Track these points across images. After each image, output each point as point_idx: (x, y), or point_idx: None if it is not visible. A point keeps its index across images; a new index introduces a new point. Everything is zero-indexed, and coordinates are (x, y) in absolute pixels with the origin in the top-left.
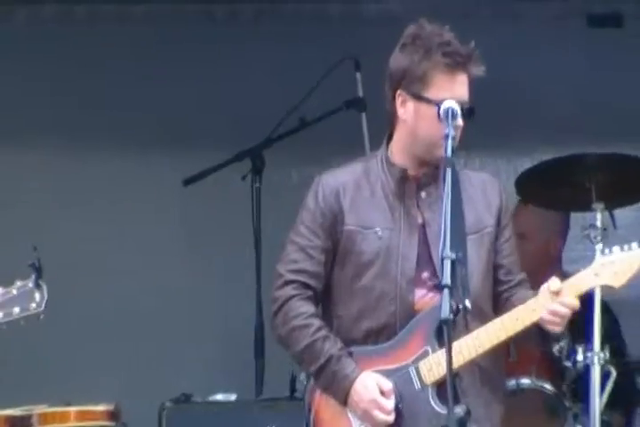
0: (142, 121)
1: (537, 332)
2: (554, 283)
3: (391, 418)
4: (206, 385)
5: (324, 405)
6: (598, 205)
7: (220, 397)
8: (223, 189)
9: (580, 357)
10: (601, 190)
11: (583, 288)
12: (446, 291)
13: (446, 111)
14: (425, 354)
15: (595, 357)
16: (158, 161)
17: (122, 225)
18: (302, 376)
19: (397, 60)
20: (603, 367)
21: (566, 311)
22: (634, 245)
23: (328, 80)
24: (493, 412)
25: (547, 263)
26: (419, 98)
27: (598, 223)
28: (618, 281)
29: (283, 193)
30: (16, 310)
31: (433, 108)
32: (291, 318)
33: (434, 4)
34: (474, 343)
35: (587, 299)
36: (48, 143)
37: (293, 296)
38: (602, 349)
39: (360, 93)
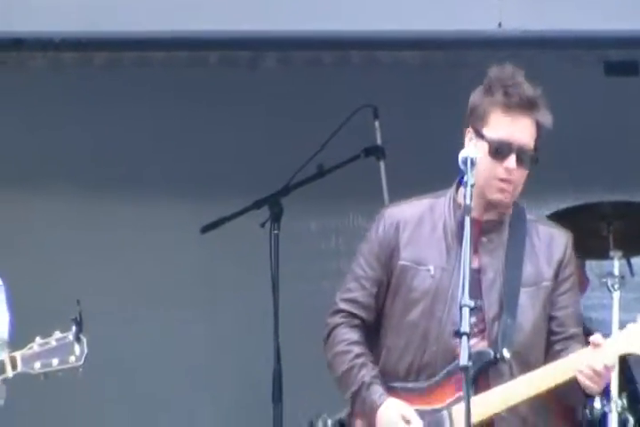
0: (159, 168)
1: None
2: (596, 337)
3: None
4: None
5: None
6: (615, 253)
7: None
8: (241, 236)
9: (597, 404)
10: (618, 238)
11: (615, 353)
12: (465, 338)
13: (464, 160)
14: (459, 400)
15: (612, 404)
16: (176, 209)
17: (138, 272)
18: (320, 424)
19: (471, 98)
20: (620, 415)
21: (600, 367)
22: None
23: (346, 128)
24: None
25: None
26: (478, 134)
27: (616, 271)
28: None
29: (301, 240)
30: (54, 361)
31: (486, 146)
32: (335, 344)
33: (451, 53)
34: (506, 394)
35: None
36: (64, 190)
37: (340, 324)
38: (619, 396)
39: (379, 141)
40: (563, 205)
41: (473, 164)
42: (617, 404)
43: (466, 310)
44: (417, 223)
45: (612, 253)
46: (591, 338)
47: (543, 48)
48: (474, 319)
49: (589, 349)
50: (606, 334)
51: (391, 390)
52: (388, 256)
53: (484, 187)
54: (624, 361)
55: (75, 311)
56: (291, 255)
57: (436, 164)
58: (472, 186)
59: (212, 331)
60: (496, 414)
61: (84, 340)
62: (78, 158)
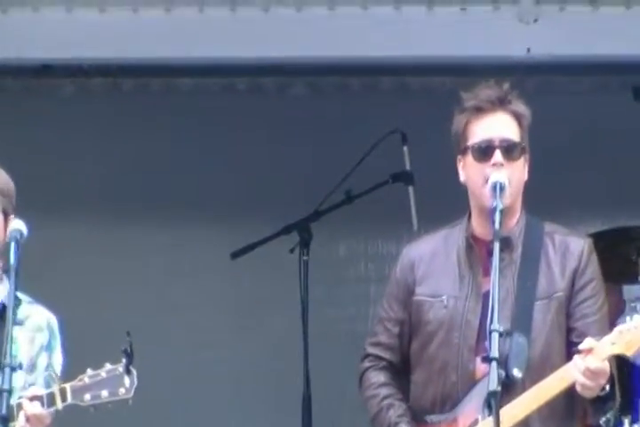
0: (189, 195)
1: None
2: (585, 342)
3: None
4: None
5: None
6: None
7: None
8: (271, 261)
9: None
10: None
11: (600, 358)
12: (494, 364)
13: (494, 184)
14: (475, 423)
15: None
16: (206, 234)
17: (169, 297)
18: None
19: (451, 128)
20: None
21: (587, 371)
22: None
23: (375, 153)
24: None
25: None
26: (464, 153)
27: None
28: (629, 350)
29: (330, 266)
30: (104, 393)
31: (470, 155)
32: (364, 389)
33: (480, 79)
34: (511, 413)
35: (633, 369)
36: (95, 216)
37: (368, 368)
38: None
39: (407, 167)
40: (592, 230)
41: (502, 189)
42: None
43: (495, 336)
44: (431, 257)
45: None
46: (581, 345)
47: (571, 74)
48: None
49: (582, 355)
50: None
51: (421, 424)
52: (406, 296)
53: (480, 196)
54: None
55: (125, 342)
56: (320, 281)
57: (465, 189)
58: (501, 211)
59: (241, 356)
60: None
61: (134, 372)
62: (108, 184)
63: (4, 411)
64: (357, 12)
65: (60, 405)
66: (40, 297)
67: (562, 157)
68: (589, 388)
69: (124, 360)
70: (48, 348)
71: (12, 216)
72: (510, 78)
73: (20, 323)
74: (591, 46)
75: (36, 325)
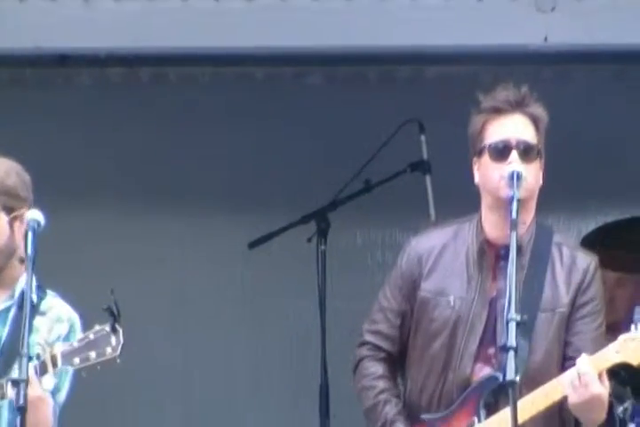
0: (206, 183)
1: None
2: (581, 359)
3: None
4: None
5: None
6: None
7: None
8: (288, 251)
9: None
10: None
11: (604, 365)
12: (511, 353)
13: (511, 174)
14: (471, 425)
15: None
16: (223, 224)
17: (186, 287)
18: None
19: (468, 130)
20: None
21: (584, 370)
22: None
23: (392, 143)
24: None
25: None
26: (480, 153)
27: None
28: (636, 359)
29: (348, 255)
30: (92, 355)
31: (487, 155)
32: (360, 378)
33: (497, 68)
34: (505, 418)
35: None
36: (111, 204)
37: (366, 357)
38: None
39: (425, 156)
40: (609, 219)
41: (519, 178)
42: None
43: (513, 325)
44: (439, 253)
45: None
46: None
47: (589, 63)
48: (492, 350)
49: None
50: None
51: (416, 421)
52: (411, 289)
53: (497, 190)
54: None
55: (109, 301)
56: (337, 270)
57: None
58: (518, 201)
59: (257, 346)
60: None
61: (120, 330)
62: (125, 173)
63: (22, 401)
64: (374, 1)
65: (52, 371)
66: (57, 286)
67: (579, 146)
68: (579, 394)
69: (110, 319)
70: (66, 340)
71: (24, 211)
72: (527, 67)
73: (43, 314)
74: (609, 35)
75: (57, 316)
